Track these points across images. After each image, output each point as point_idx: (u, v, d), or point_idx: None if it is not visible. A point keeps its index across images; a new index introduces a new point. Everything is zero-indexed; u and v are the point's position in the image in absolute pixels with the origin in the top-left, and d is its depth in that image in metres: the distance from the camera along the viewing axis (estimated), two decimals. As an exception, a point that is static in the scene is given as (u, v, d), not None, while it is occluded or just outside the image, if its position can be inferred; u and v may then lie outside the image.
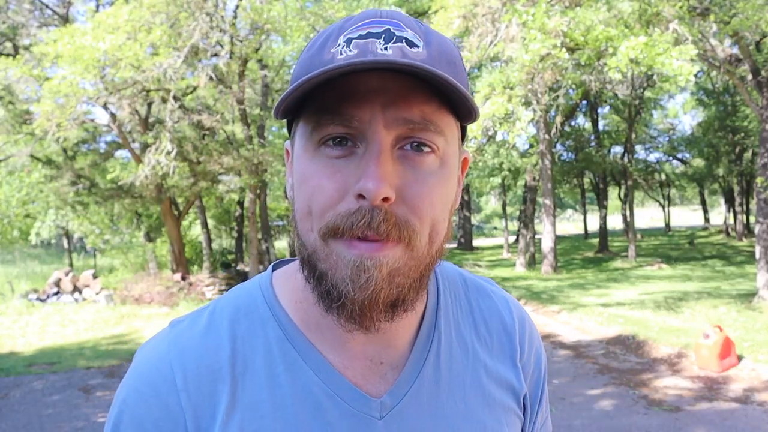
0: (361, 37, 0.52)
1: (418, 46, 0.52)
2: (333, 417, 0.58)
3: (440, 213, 0.55)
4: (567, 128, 22.88)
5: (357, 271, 0.51)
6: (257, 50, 12.92)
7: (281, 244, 27.90)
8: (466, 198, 27.46)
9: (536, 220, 22.25)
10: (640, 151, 29.07)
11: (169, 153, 11.20)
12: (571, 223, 51.95)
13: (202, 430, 0.57)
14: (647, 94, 22.67)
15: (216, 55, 12.18)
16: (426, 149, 0.53)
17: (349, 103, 0.51)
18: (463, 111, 0.55)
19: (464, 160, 0.63)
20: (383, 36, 0.52)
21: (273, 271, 0.67)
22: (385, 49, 0.51)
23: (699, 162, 28.95)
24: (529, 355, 0.72)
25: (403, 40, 0.52)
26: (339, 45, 0.52)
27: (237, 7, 12.90)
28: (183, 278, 13.98)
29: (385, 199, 0.50)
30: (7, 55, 13.39)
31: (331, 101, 0.51)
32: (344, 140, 0.52)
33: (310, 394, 0.58)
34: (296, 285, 0.61)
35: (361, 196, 0.50)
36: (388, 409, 0.59)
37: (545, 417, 0.77)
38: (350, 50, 0.51)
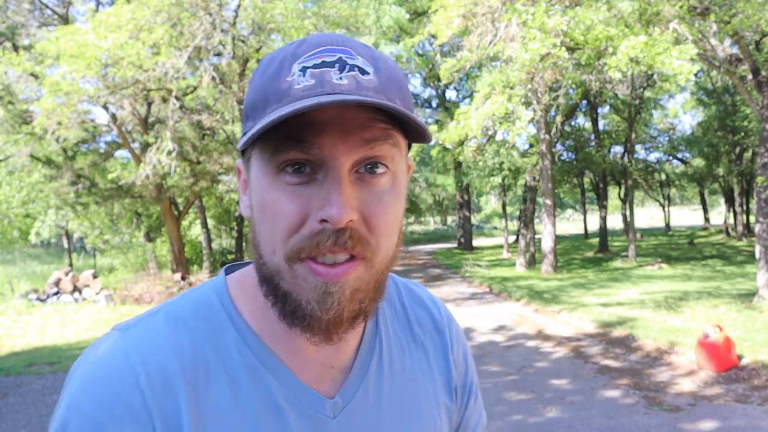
0: (315, 66, 0.54)
1: (369, 73, 0.55)
2: (292, 419, 0.61)
3: (395, 227, 0.59)
4: (567, 128, 22.88)
5: (323, 295, 0.55)
6: (258, 50, 12.92)
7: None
8: (466, 198, 27.44)
9: (536, 220, 22.25)
10: (640, 151, 29.07)
11: (170, 152, 11.20)
12: (571, 223, 51.96)
13: (171, 429, 0.57)
14: (647, 93, 22.67)
15: (219, 54, 12.18)
16: (380, 170, 0.56)
17: (309, 132, 0.53)
18: (413, 133, 0.58)
19: (408, 167, 0.66)
20: (337, 65, 0.54)
21: (226, 275, 0.68)
22: (340, 78, 0.54)
23: (699, 162, 28.95)
24: (458, 350, 0.79)
25: (356, 68, 0.55)
26: (294, 74, 0.54)
27: (238, 6, 12.90)
28: (183, 278, 13.98)
29: (349, 221, 0.54)
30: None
31: (292, 129, 0.53)
32: (303, 166, 0.55)
33: (270, 397, 0.61)
34: (251, 293, 0.63)
35: (324, 221, 0.54)
36: (340, 409, 0.64)
37: (480, 410, 0.84)
38: (307, 80, 0.54)
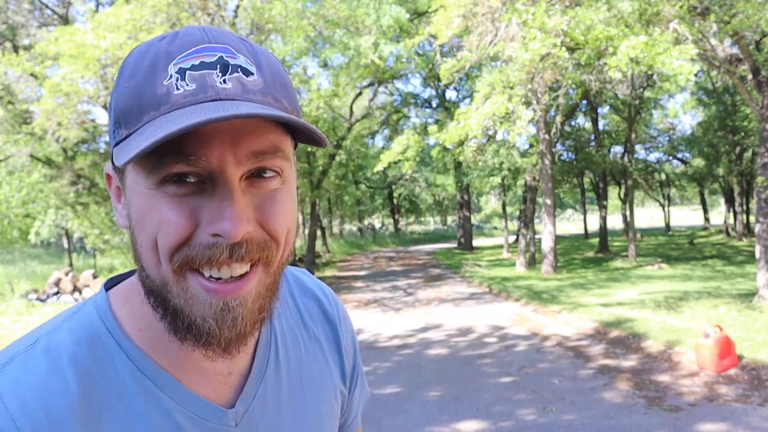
0: (194, 67, 0.50)
1: (253, 74, 0.52)
2: None
3: (292, 223, 0.56)
4: (567, 128, 22.88)
5: (221, 312, 0.52)
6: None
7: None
8: (466, 198, 27.44)
9: (536, 220, 22.26)
10: (640, 151, 29.06)
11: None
12: (571, 223, 51.96)
13: None
14: (647, 93, 22.68)
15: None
16: (269, 174, 0.53)
17: (194, 144, 0.49)
18: (302, 134, 0.55)
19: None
20: (218, 66, 0.50)
21: (107, 290, 0.62)
22: (224, 81, 0.50)
23: (699, 162, 28.95)
24: (348, 338, 0.79)
25: (239, 69, 0.51)
26: (171, 76, 0.49)
27: (237, 6, 12.90)
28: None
29: (246, 233, 0.51)
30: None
31: (174, 142, 0.48)
32: (187, 176, 0.50)
33: (170, 419, 0.57)
34: (137, 309, 0.58)
35: (216, 235, 0.50)
36: (240, 416, 0.62)
37: (364, 383, 0.85)
38: (187, 84, 0.49)
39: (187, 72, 0.49)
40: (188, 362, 0.59)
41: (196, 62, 0.50)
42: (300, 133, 0.55)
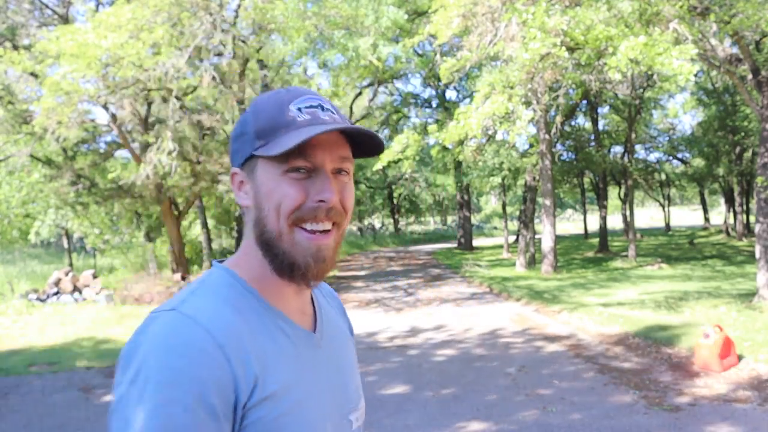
0: (307, 107, 0.84)
1: (335, 113, 0.86)
2: (303, 348, 0.87)
3: (352, 206, 0.88)
4: (567, 128, 22.87)
5: (316, 253, 0.82)
6: (258, 50, 12.92)
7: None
8: (466, 198, 27.43)
9: (536, 220, 22.24)
10: (640, 151, 29.06)
11: (170, 153, 11.20)
12: (571, 223, 51.94)
13: (246, 378, 0.75)
14: (647, 93, 22.66)
15: (219, 54, 12.18)
16: (343, 174, 0.86)
17: (308, 148, 0.81)
18: (360, 151, 0.89)
19: None
20: (320, 107, 0.85)
21: (220, 263, 0.89)
22: (324, 115, 0.84)
23: (699, 162, 28.95)
24: (345, 314, 1.11)
25: (330, 110, 0.86)
26: (293, 111, 0.83)
27: (238, 6, 12.89)
28: (183, 278, 13.98)
29: (335, 202, 0.83)
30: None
31: (299, 146, 0.80)
32: (302, 169, 0.82)
33: (287, 336, 0.85)
34: (248, 267, 0.86)
35: (321, 201, 0.82)
36: (319, 340, 0.92)
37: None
38: (304, 115, 0.83)
39: (304, 109, 0.84)
40: (286, 302, 0.88)
41: (307, 104, 0.85)
42: (358, 150, 0.89)
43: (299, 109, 0.83)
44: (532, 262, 18.21)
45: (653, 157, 30.60)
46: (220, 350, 0.73)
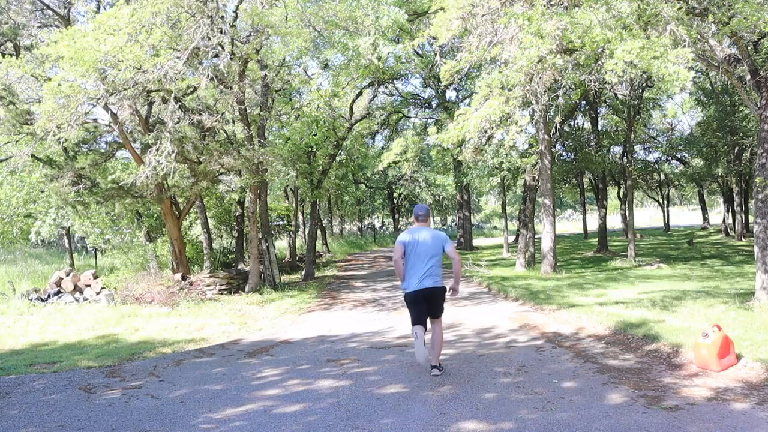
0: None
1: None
2: None
3: None
4: (566, 128, 22.90)
5: None
6: (257, 51, 12.93)
7: (281, 244, 27.89)
8: (466, 198, 27.47)
9: (536, 220, 22.28)
10: (639, 151, 29.08)
11: (169, 154, 11.22)
12: (570, 223, 51.96)
13: None
14: (646, 94, 22.70)
15: (217, 56, 12.21)
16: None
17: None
18: None
19: None
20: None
21: None
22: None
23: (698, 162, 28.98)
24: None
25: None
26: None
27: (237, 8, 12.92)
28: (184, 278, 14.00)
29: None
30: (9, 55, 13.40)
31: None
32: None
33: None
34: None
35: None
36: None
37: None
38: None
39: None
40: None
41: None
42: None
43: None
44: (532, 262, 18.24)
45: (652, 157, 30.61)
46: None
